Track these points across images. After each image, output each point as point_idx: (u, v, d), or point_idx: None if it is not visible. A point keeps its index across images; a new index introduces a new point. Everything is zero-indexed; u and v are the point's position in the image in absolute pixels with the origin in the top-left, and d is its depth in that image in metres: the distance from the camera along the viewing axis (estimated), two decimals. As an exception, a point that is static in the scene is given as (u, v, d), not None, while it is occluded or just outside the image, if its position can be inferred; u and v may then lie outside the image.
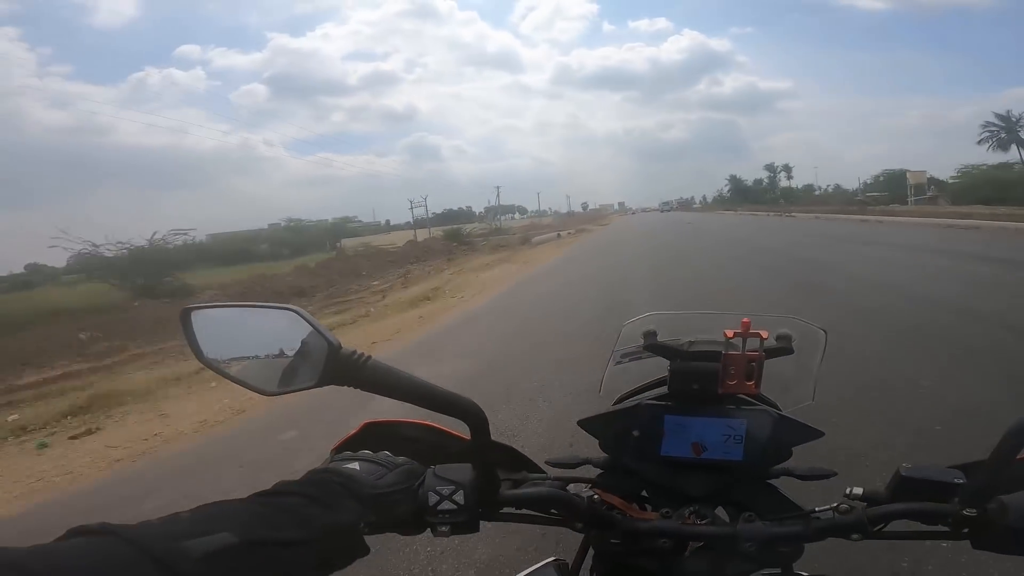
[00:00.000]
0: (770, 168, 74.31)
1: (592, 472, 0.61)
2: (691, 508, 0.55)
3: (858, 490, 0.53)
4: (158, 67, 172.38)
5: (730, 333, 0.54)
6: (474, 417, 0.46)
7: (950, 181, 37.78)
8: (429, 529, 0.48)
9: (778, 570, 0.54)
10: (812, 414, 0.59)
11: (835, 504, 0.52)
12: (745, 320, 0.54)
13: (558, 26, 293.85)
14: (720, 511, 0.56)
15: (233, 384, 0.48)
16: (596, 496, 0.54)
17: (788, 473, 0.59)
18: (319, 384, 0.43)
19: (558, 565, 0.55)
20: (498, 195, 69.04)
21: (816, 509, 0.53)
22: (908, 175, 39.47)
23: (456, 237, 31.55)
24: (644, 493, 0.60)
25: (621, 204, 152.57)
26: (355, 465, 0.47)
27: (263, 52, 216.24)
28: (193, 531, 0.34)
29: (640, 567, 0.56)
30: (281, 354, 0.47)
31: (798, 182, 75.61)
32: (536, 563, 0.62)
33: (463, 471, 0.49)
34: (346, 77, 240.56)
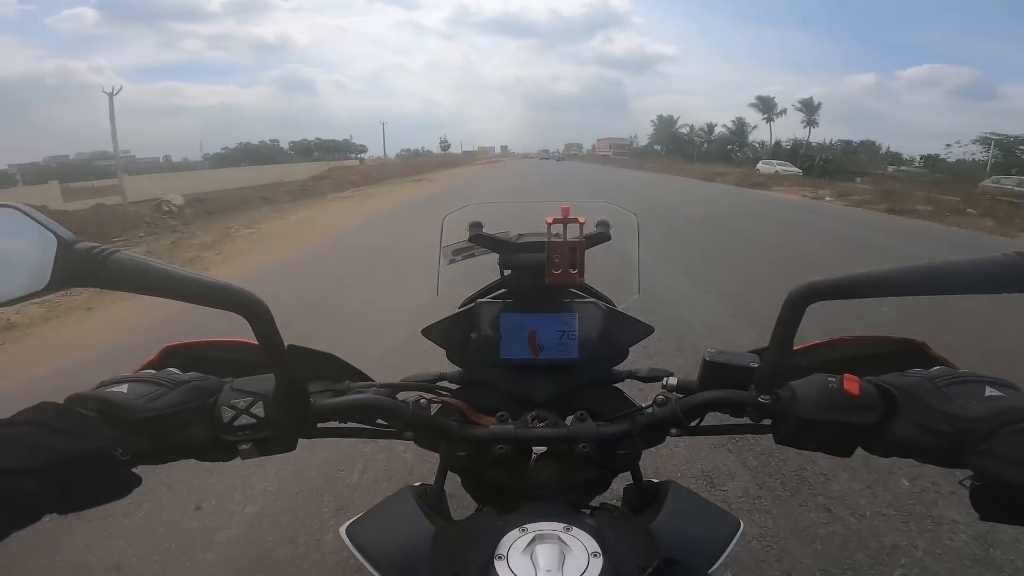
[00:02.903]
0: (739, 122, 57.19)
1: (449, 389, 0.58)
2: (533, 413, 0.53)
3: (673, 380, 0.54)
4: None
5: (550, 219, 0.53)
6: (253, 312, 0.40)
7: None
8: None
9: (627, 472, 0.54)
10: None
11: (655, 397, 0.52)
12: (564, 207, 0.53)
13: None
14: (564, 417, 0.55)
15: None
16: (423, 401, 0.51)
17: (631, 376, 0.60)
18: (52, 288, 0.37)
19: (417, 489, 0.51)
20: (383, 132, 65.73)
21: (643, 406, 0.53)
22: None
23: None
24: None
25: (504, 148, 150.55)
26: (122, 388, 0.42)
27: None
28: None
29: (492, 479, 0.54)
30: (5, 257, 0.39)
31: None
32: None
33: (265, 382, 0.44)
34: (207, 3, 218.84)
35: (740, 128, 56.31)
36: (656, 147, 70.87)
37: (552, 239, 0.54)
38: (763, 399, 0.46)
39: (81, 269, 0.37)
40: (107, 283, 0.37)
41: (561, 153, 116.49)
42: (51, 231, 0.37)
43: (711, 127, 60.46)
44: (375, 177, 24.78)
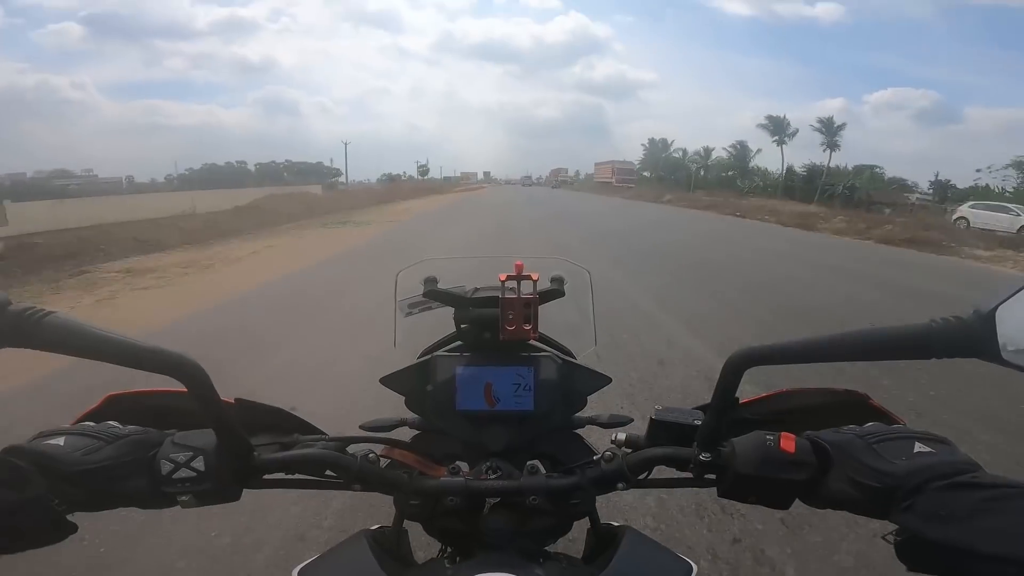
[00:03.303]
0: (741, 145, 51.45)
1: (409, 434, 0.60)
2: (488, 463, 0.54)
3: (621, 435, 0.55)
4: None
5: (503, 276, 0.55)
6: (188, 374, 0.42)
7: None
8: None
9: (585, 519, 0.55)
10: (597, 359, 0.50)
11: (603, 452, 0.53)
12: (518, 263, 0.55)
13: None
14: (522, 465, 0.55)
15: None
16: (372, 455, 0.52)
17: (592, 422, 0.60)
18: None
19: (374, 532, 0.52)
20: (346, 152, 58.65)
21: (594, 456, 0.54)
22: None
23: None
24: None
25: (487, 174, 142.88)
26: (59, 440, 0.43)
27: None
28: None
29: (447, 526, 0.55)
30: None
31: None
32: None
33: (206, 436, 0.45)
34: (192, 21, 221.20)
35: (742, 152, 50.64)
36: (644, 173, 65.63)
37: (506, 295, 0.55)
38: (704, 457, 0.47)
39: (14, 331, 0.37)
40: (42, 345, 0.38)
41: (549, 179, 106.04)
42: None
43: (708, 151, 55.77)
44: (323, 208, 19.67)
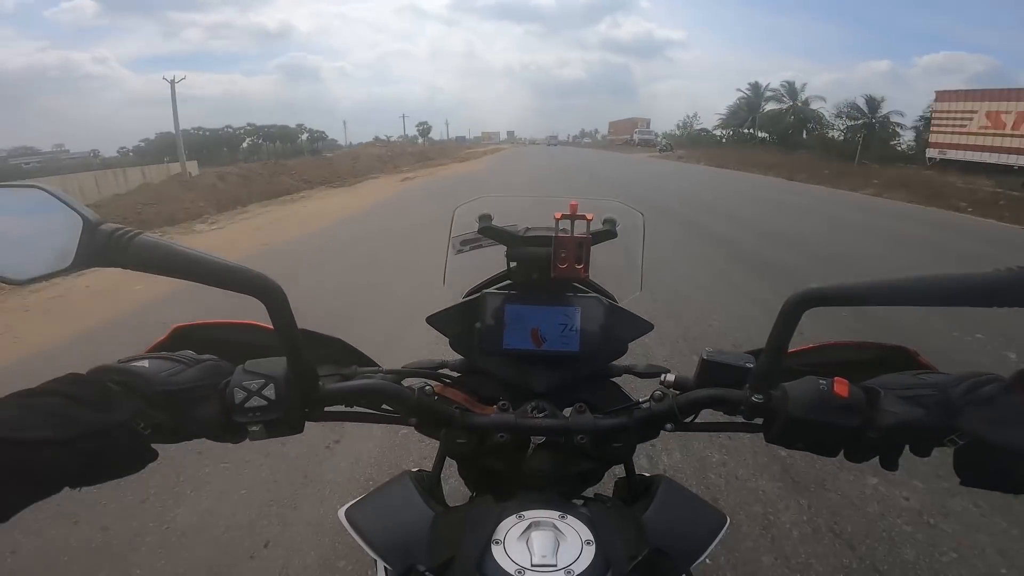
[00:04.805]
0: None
1: (451, 376, 0.60)
2: (533, 404, 0.55)
3: (671, 377, 0.56)
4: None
5: (559, 215, 0.54)
6: (270, 295, 0.42)
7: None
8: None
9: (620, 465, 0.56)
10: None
11: (653, 393, 0.53)
12: (573, 203, 0.54)
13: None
14: (563, 408, 0.56)
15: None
16: (428, 388, 0.52)
17: (629, 371, 0.61)
18: (76, 266, 0.38)
19: (415, 474, 0.52)
20: (404, 121, 58.29)
21: (640, 400, 0.54)
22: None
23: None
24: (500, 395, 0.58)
25: (510, 134, 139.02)
26: (144, 363, 0.43)
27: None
28: None
29: (490, 466, 0.55)
30: (31, 236, 0.41)
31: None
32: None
33: (276, 364, 0.46)
34: None
35: (871, 105, 29.44)
36: (744, 131, 39.22)
37: (559, 234, 0.54)
38: (756, 398, 0.47)
39: (105, 250, 0.38)
40: (130, 264, 0.38)
41: (563, 138, 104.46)
42: (77, 211, 0.38)
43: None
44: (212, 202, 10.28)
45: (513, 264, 0.59)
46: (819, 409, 0.44)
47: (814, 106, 34.76)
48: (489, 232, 0.58)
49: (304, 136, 64.66)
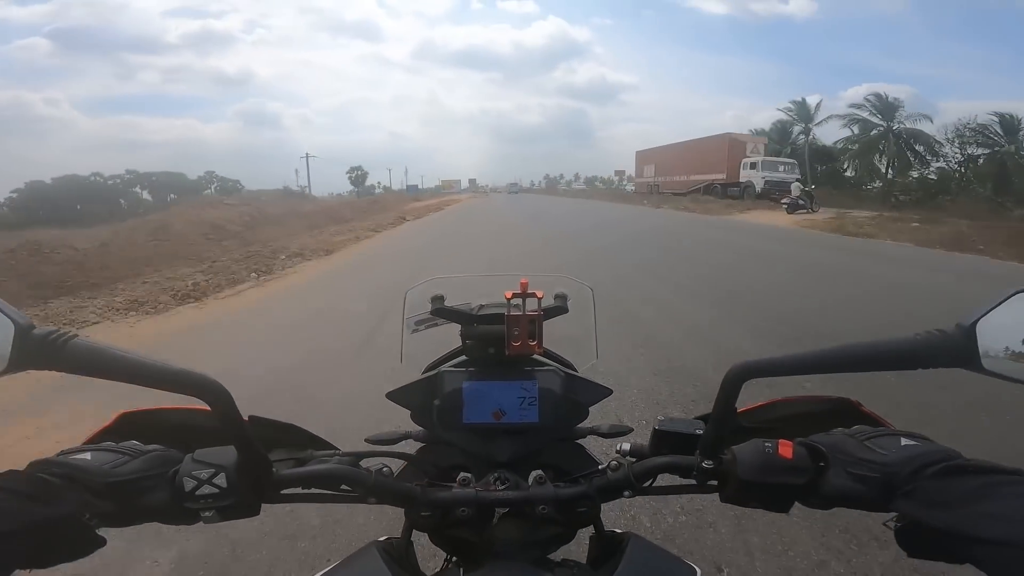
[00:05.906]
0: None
1: (414, 447, 0.60)
2: (495, 475, 0.55)
3: (626, 446, 0.57)
4: None
5: (509, 294, 0.56)
6: (211, 393, 0.43)
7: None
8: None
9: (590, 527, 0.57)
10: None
11: (609, 462, 0.55)
12: (523, 280, 0.56)
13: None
14: (526, 474, 0.56)
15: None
16: (386, 469, 0.53)
17: (593, 432, 0.62)
18: (11, 370, 0.39)
19: (383, 544, 0.53)
20: (307, 163, 49.45)
21: (599, 466, 0.56)
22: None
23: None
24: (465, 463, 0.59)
25: (472, 181, 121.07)
26: (86, 456, 0.44)
27: (48, 3, 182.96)
28: None
29: (458, 536, 0.55)
30: None
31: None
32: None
33: (226, 453, 0.46)
34: (164, 34, 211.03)
35: (1006, 126, 22.53)
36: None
37: (511, 312, 0.56)
38: (706, 464, 0.49)
39: (39, 353, 0.39)
40: (66, 367, 0.39)
41: (521, 186, 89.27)
42: (7, 316, 0.39)
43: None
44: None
45: (469, 341, 0.60)
46: (766, 471, 0.46)
47: (918, 126, 25.32)
48: (442, 313, 0.59)
49: (214, 186, 55.80)
